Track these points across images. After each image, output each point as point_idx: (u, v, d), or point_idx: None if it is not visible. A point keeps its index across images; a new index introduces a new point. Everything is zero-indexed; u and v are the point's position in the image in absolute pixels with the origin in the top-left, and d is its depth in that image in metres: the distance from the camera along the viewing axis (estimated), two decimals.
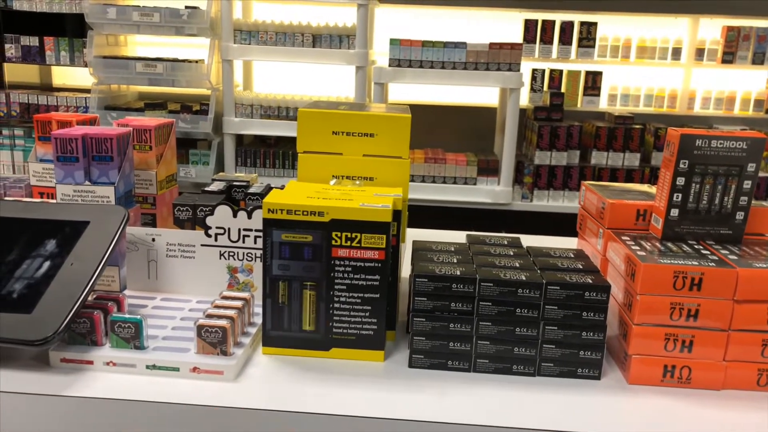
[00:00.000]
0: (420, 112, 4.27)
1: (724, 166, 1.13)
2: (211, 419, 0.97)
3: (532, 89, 3.98)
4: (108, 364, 1.04)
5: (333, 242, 1.06)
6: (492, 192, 3.63)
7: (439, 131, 4.24)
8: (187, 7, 3.71)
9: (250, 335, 1.13)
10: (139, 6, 3.74)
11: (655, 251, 1.10)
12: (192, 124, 3.80)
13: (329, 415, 0.97)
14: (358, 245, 1.07)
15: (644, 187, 1.37)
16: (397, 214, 1.15)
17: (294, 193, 1.12)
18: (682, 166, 1.14)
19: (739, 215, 1.16)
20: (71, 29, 4.14)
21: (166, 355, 1.05)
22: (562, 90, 3.96)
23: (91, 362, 1.04)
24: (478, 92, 4.08)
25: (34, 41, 4.04)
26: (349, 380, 1.06)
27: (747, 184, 1.14)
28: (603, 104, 4.05)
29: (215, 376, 1.03)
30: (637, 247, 1.12)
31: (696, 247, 1.14)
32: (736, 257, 1.09)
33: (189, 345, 1.08)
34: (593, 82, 3.95)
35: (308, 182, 1.23)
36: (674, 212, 1.16)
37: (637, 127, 3.74)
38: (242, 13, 4.07)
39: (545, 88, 3.99)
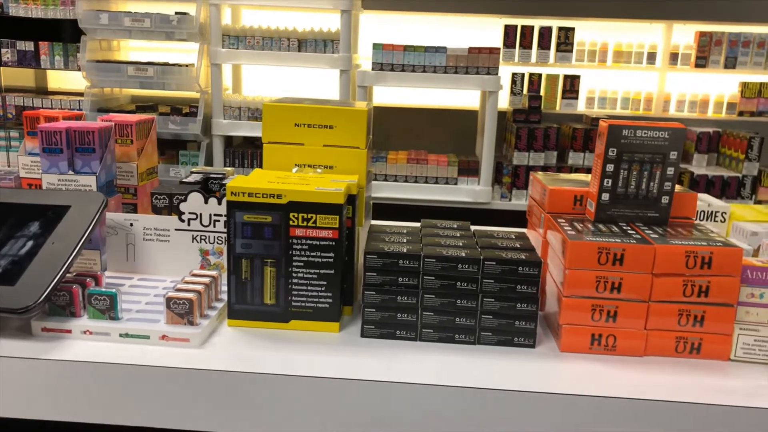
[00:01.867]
0: (404, 115, 4.40)
1: (649, 154, 1.25)
2: (177, 380, 1.07)
3: (512, 93, 4.10)
4: (85, 332, 1.14)
5: (291, 222, 1.17)
6: (472, 191, 3.75)
7: (423, 133, 4.35)
8: (177, 13, 3.82)
9: (216, 309, 1.24)
10: (130, 12, 3.85)
11: (585, 231, 1.21)
12: (182, 125, 3.91)
13: (285, 376, 1.07)
14: (314, 225, 1.17)
15: (587, 177, 1.48)
16: (352, 198, 1.26)
17: (257, 179, 1.23)
18: (611, 154, 1.25)
19: (665, 199, 1.27)
20: (65, 34, 4.26)
21: (138, 324, 1.15)
22: (541, 93, 4.09)
23: (69, 331, 1.14)
24: (460, 95, 4.20)
25: (29, 46, 4.15)
26: (306, 347, 1.17)
27: (670, 171, 1.25)
28: (581, 107, 4.17)
29: (182, 343, 1.14)
30: (570, 228, 1.22)
31: (624, 228, 1.25)
32: (657, 236, 1.20)
33: (160, 317, 1.18)
34: (571, 85, 4.08)
35: (272, 170, 1.34)
36: (605, 196, 1.27)
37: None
38: (231, 19, 4.19)
39: (525, 91, 4.11)
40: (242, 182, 1.19)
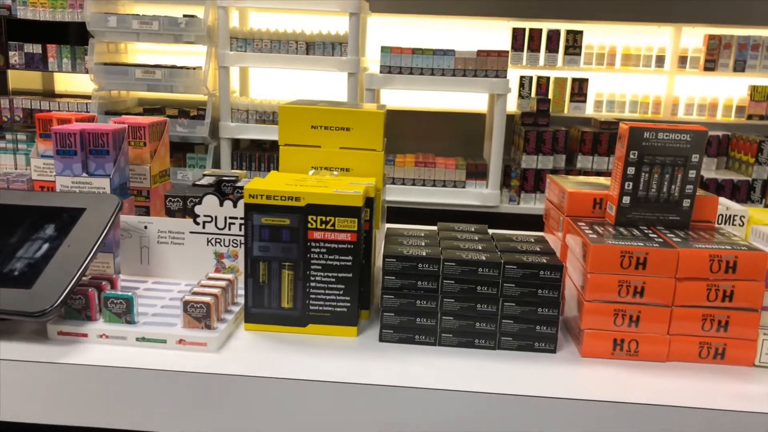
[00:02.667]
0: (412, 118, 4.39)
1: (670, 157, 1.23)
2: (194, 384, 1.06)
3: (520, 96, 4.09)
4: (101, 336, 1.13)
5: (309, 225, 1.16)
6: (480, 195, 3.73)
7: (431, 136, 4.34)
8: (185, 16, 3.82)
9: (233, 313, 1.22)
10: (138, 15, 3.85)
11: (607, 234, 1.19)
12: (189, 128, 3.90)
13: (302, 380, 1.06)
14: (332, 228, 1.16)
15: (603, 180, 1.46)
16: (369, 201, 1.24)
17: (274, 181, 1.22)
18: (632, 156, 1.23)
19: (686, 202, 1.25)
20: (73, 37, 4.26)
21: (155, 328, 1.14)
22: (549, 96, 4.07)
23: (85, 335, 1.13)
24: (468, 98, 4.19)
25: (37, 48, 4.15)
26: (324, 352, 1.15)
27: (692, 174, 1.24)
28: (589, 110, 4.15)
29: (199, 347, 1.12)
30: (591, 232, 1.21)
31: (646, 231, 1.23)
32: (680, 240, 1.18)
33: (176, 320, 1.17)
34: (579, 88, 4.06)
35: (289, 173, 1.33)
36: (626, 200, 1.26)
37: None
38: (239, 21, 4.18)
39: (533, 94, 4.10)
40: (260, 184, 1.18)
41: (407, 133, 4.33)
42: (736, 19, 4.06)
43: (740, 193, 3.86)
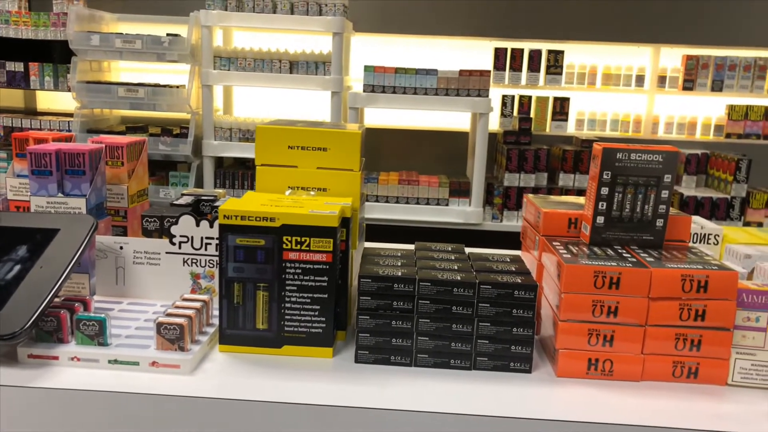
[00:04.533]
0: (395, 136, 4.41)
1: (643, 177, 1.25)
2: (167, 407, 1.05)
3: (503, 114, 4.13)
4: (72, 359, 1.11)
5: (284, 246, 1.16)
6: (463, 212, 3.75)
7: (415, 154, 4.36)
8: (168, 35, 3.83)
9: (207, 334, 1.21)
10: (122, 33, 3.85)
11: (581, 254, 1.20)
12: (172, 146, 3.89)
13: (277, 403, 1.05)
14: (308, 248, 1.16)
15: (580, 199, 1.47)
16: (345, 221, 1.25)
17: (249, 202, 1.21)
18: (605, 177, 1.25)
19: (659, 222, 1.27)
20: (56, 55, 4.25)
21: (128, 351, 1.13)
22: (531, 115, 4.11)
23: (56, 357, 1.11)
24: (451, 117, 4.22)
25: (19, 67, 4.14)
26: (299, 374, 1.14)
27: (665, 194, 1.25)
28: (571, 129, 4.20)
29: (172, 369, 1.11)
30: (565, 251, 1.22)
31: (620, 251, 1.24)
32: (653, 259, 1.19)
33: (150, 342, 1.16)
34: (561, 107, 4.11)
35: (265, 192, 1.32)
36: (600, 219, 1.27)
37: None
38: (223, 40, 4.20)
39: (515, 113, 4.14)
40: (235, 205, 1.18)
41: (391, 151, 4.35)
42: (713, 40, 4.14)
43: (719, 210, 3.91)
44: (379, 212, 3.77)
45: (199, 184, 3.97)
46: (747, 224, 3.96)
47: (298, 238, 1.15)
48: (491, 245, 1.86)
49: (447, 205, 3.79)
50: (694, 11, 4.15)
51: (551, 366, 1.20)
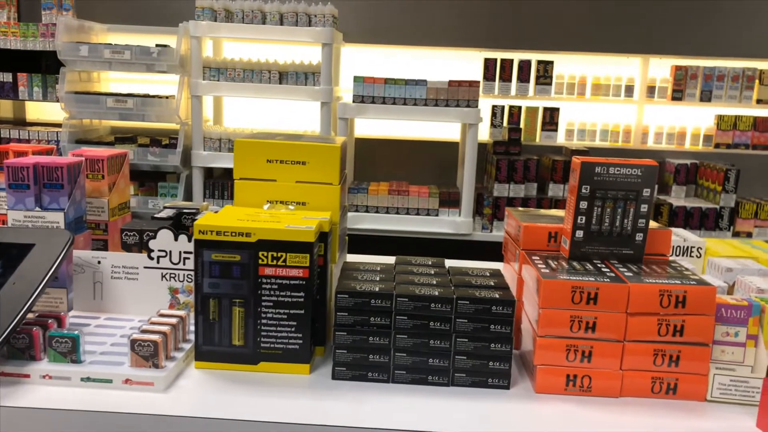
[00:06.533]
0: (386, 147, 4.41)
1: (622, 191, 1.24)
2: (139, 426, 1.03)
3: (493, 125, 4.13)
4: (44, 377, 1.10)
5: (260, 261, 1.15)
6: (453, 223, 3.74)
7: (404, 165, 4.36)
8: (157, 45, 3.82)
9: (184, 350, 1.20)
10: (111, 44, 3.85)
11: (560, 269, 1.20)
12: (161, 157, 3.88)
13: (252, 422, 1.04)
14: (284, 264, 1.15)
15: (562, 213, 1.47)
16: (324, 235, 1.24)
17: (226, 216, 1.20)
18: (584, 191, 1.24)
19: (639, 236, 1.26)
20: (45, 66, 4.23)
21: (101, 368, 1.11)
22: (521, 125, 4.12)
23: (27, 375, 1.10)
24: (441, 127, 4.22)
25: (7, 77, 4.12)
26: (275, 391, 1.13)
27: (644, 208, 1.25)
28: (561, 139, 4.20)
29: (146, 387, 1.10)
30: (544, 266, 1.21)
31: (599, 265, 1.24)
32: (632, 274, 1.18)
33: (124, 359, 1.14)
34: (551, 117, 4.11)
35: (244, 207, 1.32)
36: (579, 234, 1.26)
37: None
38: (213, 51, 4.19)
39: (505, 123, 4.14)
40: (211, 220, 1.17)
41: (381, 161, 4.35)
42: (701, 51, 4.16)
43: (708, 220, 3.92)
44: (369, 222, 3.76)
45: (189, 194, 3.96)
46: (736, 234, 3.97)
47: (275, 254, 1.14)
48: (481, 256, 1.85)
49: (437, 215, 3.79)
50: (683, 22, 4.18)
51: (531, 382, 1.19)
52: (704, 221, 3.92)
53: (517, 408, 1.12)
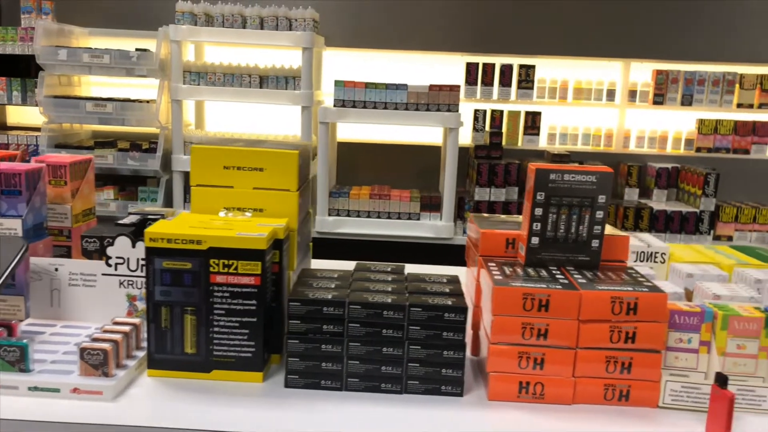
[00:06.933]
0: (367, 151, 4.40)
1: (577, 198, 1.24)
2: None
3: (475, 129, 4.13)
4: None
5: (211, 269, 1.14)
6: (434, 227, 3.74)
7: (386, 169, 4.36)
8: (137, 50, 3.81)
9: (137, 358, 1.19)
10: (90, 48, 3.83)
11: (514, 276, 1.20)
12: (141, 162, 3.86)
13: (202, 431, 1.03)
14: (235, 272, 1.14)
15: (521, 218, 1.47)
16: (279, 242, 1.23)
17: (179, 224, 1.20)
18: (539, 197, 1.24)
19: (595, 243, 1.26)
20: (24, 70, 4.21)
21: (50, 377, 1.10)
22: (503, 130, 4.12)
23: None
24: (423, 132, 4.21)
25: None
26: (227, 400, 1.12)
27: (599, 214, 1.25)
28: (543, 143, 4.21)
29: (95, 396, 1.09)
30: (498, 273, 1.21)
31: (554, 272, 1.23)
32: (585, 281, 1.18)
33: (75, 368, 1.13)
34: (533, 121, 4.12)
35: (200, 214, 1.31)
36: (535, 240, 1.26)
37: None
38: (194, 55, 4.18)
39: (487, 127, 4.14)
40: (162, 227, 1.16)
41: (363, 165, 4.34)
42: (682, 55, 4.18)
43: (689, 224, 3.93)
44: (350, 227, 3.76)
45: (168, 199, 3.94)
46: (717, 238, 3.98)
47: (226, 261, 1.14)
48: (461, 259, 1.85)
49: (418, 219, 3.79)
50: (664, 27, 4.19)
51: (485, 389, 1.19)
52: (685, 225, 3.94)
53: (470, 415, 1.12)
